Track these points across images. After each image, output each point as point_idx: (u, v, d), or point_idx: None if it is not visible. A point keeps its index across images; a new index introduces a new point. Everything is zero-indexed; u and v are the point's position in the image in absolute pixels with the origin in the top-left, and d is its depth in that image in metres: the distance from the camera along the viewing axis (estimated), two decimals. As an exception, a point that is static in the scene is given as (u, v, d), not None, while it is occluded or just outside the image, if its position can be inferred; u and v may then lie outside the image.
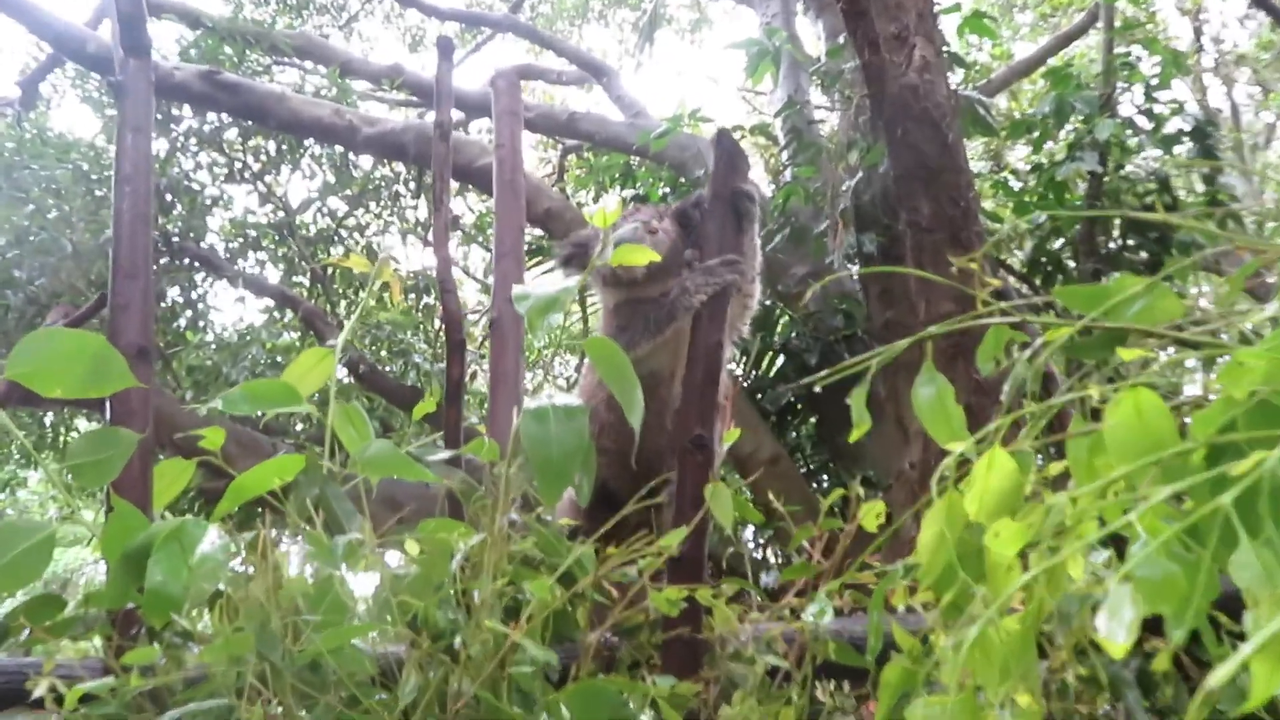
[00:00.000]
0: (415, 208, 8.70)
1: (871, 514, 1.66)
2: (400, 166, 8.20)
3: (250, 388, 1.54)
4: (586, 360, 2.62)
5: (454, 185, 9.71)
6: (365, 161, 8.13)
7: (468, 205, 9.34)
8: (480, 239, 9.32)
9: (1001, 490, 1.01)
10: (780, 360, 6.39)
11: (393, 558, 1.42)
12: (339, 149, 7.79)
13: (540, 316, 1.37)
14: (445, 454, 1.53)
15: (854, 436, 1.29)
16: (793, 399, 6.19)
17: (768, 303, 6.36)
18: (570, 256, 2.45)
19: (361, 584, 1.36)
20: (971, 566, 1.00)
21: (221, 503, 1.36)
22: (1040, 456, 1.22)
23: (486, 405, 2.67)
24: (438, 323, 8.01)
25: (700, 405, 1.74)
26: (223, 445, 1.39)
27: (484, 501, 1.40)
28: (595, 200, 8.19)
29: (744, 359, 6.30)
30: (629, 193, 7.32)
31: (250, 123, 7.46)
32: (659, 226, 2.40)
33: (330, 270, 8.06)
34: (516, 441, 1.37)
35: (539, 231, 7.13)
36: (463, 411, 2.19)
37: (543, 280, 1.51)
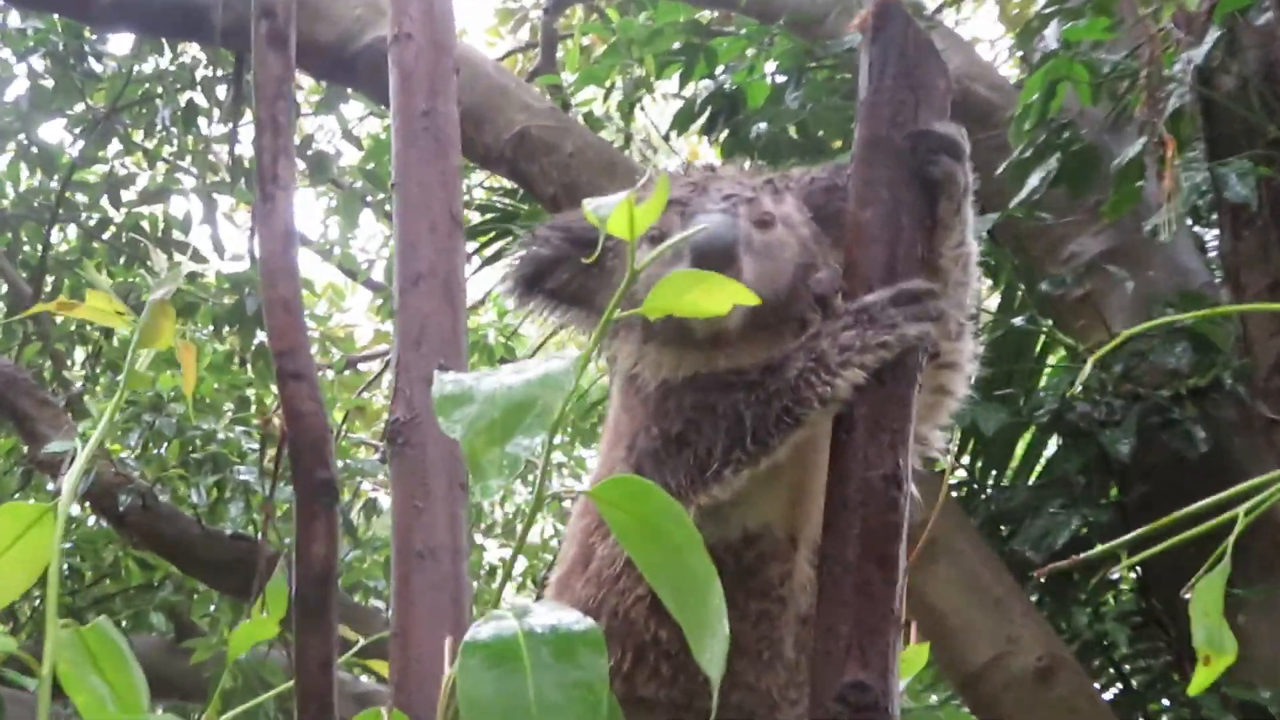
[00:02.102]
0: (233, 138, 8.85)
1: None
2: (196, 50, 8.39)
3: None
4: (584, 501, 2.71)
5: (308, 85, 9.69)
6: (120, 44, 8.26)
7: (346, 128, 9.50)
8: (378, 198, 9.39)
9: None
10: (1051, 448, 6.37)
11: None
12: (59, 19, 7.93)
13: (492, 447, 1.44)
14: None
15: (1196, 687, 1.27)
16: (1084, 531, 6.13)
17: (1017, 322, 6.41)
18: (538, 273, 2.58)
19: None
20: None
21: None
22: None
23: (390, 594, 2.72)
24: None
25: (859, 615, 1.85)
26: None
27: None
28: (626, 110, 8.25)
29: (961, 445, 6.33)
30: (703, 84, 7.33)
31: None
32: (774, 213, 2.48)
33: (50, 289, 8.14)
34: (453, 710, 1.44)
35: (492, 179, 7.17)
36: (335, 625, 2.32)
37: (500, 370, 1.58)
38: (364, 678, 7.85)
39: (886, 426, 2.09)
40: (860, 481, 2.03)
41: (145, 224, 8.76)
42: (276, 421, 5.83)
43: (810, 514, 2.36)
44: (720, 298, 1.73)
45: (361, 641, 2.86)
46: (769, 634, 2.42)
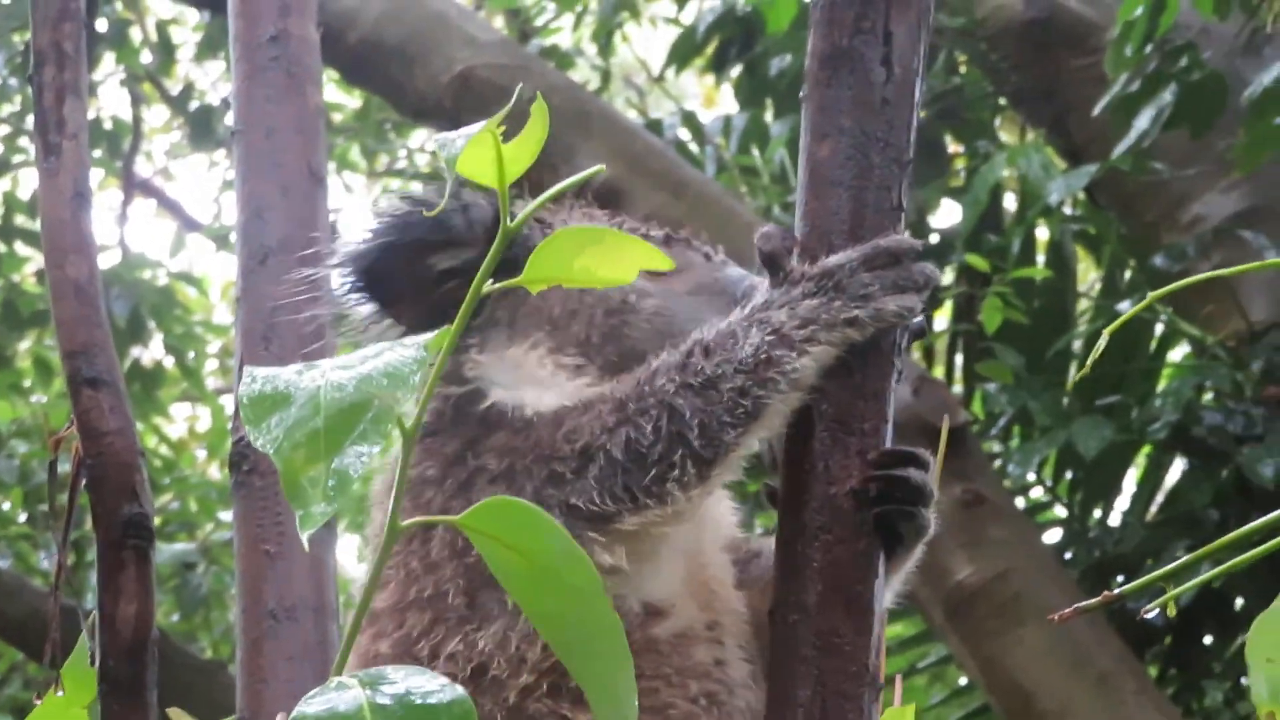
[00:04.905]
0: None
1: None
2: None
3: None
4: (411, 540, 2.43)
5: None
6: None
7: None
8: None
9: None
10: (1175, 473, 6.10)
11: None
12: None
13: (314, 463, 1.39)
14: None
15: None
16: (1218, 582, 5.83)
17: (1124, 307, 6.18)
18: (366, 267, 2.37)
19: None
20: None
21: None
22: None
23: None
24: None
25: (822, 675, 1.86)
26: None
27: None
28: (604, 40, 7.95)
29: (1055, 473, 6.16)
30: (709, 5, 7.12)
31: None
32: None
33: None
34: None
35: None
36: (154, 707, 2.50)
37: (324, 363, 1.53)
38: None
39: (855, 428, 2.04)
40: (821, 501, 1.99)
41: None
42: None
43: (724, 599, 2.29)
44: (628, 261, 1.57)
45: (199, 730, 2.61)
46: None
